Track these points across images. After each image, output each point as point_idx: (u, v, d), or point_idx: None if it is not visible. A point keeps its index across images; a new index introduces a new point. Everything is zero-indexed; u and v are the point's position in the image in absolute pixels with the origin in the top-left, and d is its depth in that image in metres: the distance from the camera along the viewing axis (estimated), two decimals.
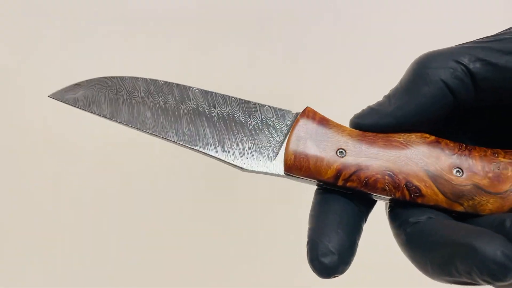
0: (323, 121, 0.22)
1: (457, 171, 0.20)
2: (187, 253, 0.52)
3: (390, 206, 0.21)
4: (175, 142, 0.22)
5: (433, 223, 0.19)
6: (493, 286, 0.19)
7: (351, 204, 0.21)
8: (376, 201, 0.22)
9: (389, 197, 0.21)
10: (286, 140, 0.21)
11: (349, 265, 0.19)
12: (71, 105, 0.25)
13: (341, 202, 0.21)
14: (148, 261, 0.52)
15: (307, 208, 0.22)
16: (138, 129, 0.23)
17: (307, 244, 0.19)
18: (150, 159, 0.54)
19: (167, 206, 0.54)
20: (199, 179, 0.54)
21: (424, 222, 0.19)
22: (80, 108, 0.24)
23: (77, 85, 0.25)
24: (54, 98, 0.25)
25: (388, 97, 0.21)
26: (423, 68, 0.20)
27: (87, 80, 0.25)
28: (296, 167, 0.21)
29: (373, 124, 0.21)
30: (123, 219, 0.53)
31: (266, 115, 0.23)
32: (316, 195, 0.22)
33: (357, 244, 0.20)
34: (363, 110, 0.22)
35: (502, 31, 0.21)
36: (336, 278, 0.19)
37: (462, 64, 0.20)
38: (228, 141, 0.22)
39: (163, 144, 0.24)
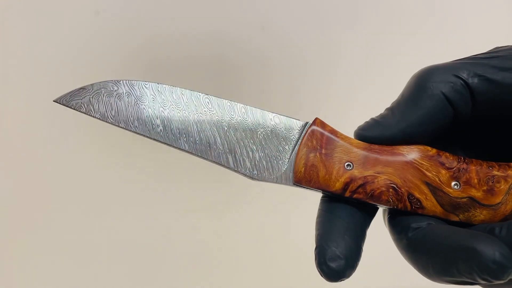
0: (332, 133, 0.22)
1: (455, 184, 0.21)
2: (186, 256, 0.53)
3: (390, 213, 0.23)
4: (186, 151, 0.23)
5: (434, 228, 0.20)
6: (488, 284, 0.20)
7: (357, 211, 0.22)
8: (377, 208, 0.23)
9: (392, 207, 0.22)
10: (296, 150, 0.22)
11: (355, 269, 0.20)
12: (80, 111, 0.24)
13: (347, 209, 0.22)
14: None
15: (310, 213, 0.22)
16: (148, 137, 0.23)
17: (315, 249, 0.20)
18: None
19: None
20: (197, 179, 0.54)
21: (426, 227, 0.21)
22: (87, 114, 0.24)
23: (82, 89, 0.24)
24: (59, 103, 0.24)
25: (391, 110, 0.23)
26: (425, 81, 0.22)
27: (91, 84, 0.24)
28: (306, 179, 0.22)
29: (378, 136, 0.22)
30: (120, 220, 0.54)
31: (275, 124, 0.23)
32: (323, 202, 0.23)
33: (362, 249, 0.21)
34: (367, 122, 0.23)
35: (494, 49, 0.23)
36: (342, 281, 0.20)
37: (462, 78, 0.21)
38: (239, 150, 0.23)
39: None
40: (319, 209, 0.22)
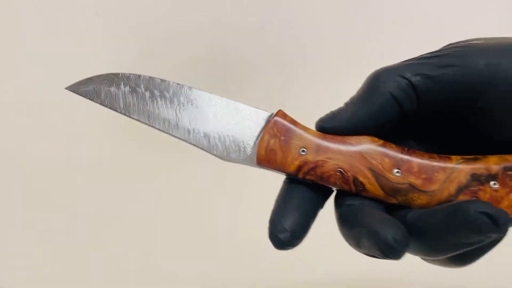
0: (292, 123, 0.26)
1: (396, 172, 0.24)
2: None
3: (337, 194, 0.26)
4: (165, 132, 0.26)
5: (360, 208, 0.24)
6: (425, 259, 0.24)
7: (310, 192, 0.25)
8: (332, 191, 0.26)
9: (339, 189, 0.25)
10: (260, 137, 0.25)
11: (301, 241, 0.24)
12: (85, 97, 0.28)
13: (302, 190, 0.25)
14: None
15: None
16: (136, 119, 0.27)
17: (269, 222, 0.24)
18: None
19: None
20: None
21: (355, 206, 0.24)
22: (90, 99, 0.28)
23: (89, 79, 0.28)
24: (70, 90, 0.29)
25: (346, 104, 0.26)
26: (375, 81, 0.25)
27: (97, 76, 0.28)
28: (266, 161, 0.25)
29: (333, 128, 0.25)
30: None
31: (246, 114, 0.26)
32: (284, 184, 0.26)
33: (310, 226, 0.24)
34: (326, 114, 0.26)
35: (445, 46, 0.25)
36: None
37: (406, 78, 0.24)
38: (213, 135, 0.26)
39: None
40: (280, 189, 0.26)
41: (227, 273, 0.54)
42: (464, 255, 0.23)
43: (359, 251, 0.23)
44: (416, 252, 0.23)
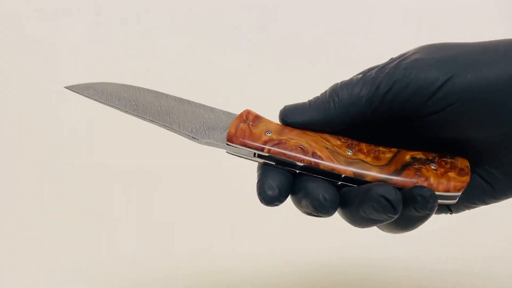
0: (258, 117, 0.30)
1: (349, 151, 0.28)
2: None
3: None
4: (150, 120, 0.30)
5: (306, 178, 0.28)
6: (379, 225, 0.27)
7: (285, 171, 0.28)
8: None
9: (300, 164, 0.28)
10: (231, 123, 0.29)
11: (286, 198, 0.27)
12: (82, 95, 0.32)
13: (277, 169, 0.28)
14: None
15: None
16: (125, 111, 0.31)
17: (257, 183, 0.27)
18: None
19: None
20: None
21: (303, 177, 0.28)
22: (87, 97, 0.32)
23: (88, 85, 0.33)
24: (69, 89, 0.33)
25: (309, 103, 0.29)
26: (333, 95, 0.28)
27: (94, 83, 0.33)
28: (235, 138, 0.28)
29: (294, 123, 0.29)
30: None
31: (219, 114, 0.31)
32: (260, 165, 0.29)
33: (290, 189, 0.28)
34: (291, 106, 0.30)
35: (386, 62, 0.28)
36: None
37: (358, 94, 0.28)
38: (190, 124, 0.30)
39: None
40: (257, 168, 0.29)
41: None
42: (396, 225, 0.27)
43: (301, 211, 0.27)
44: (345, 220, 0.27)
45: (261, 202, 0.27)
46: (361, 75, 0.28)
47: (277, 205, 0.27)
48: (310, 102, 0.29)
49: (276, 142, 0.28)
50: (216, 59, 0.70)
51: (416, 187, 0.25)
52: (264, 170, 0.28)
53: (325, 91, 0.29)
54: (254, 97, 0.65)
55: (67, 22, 0.70)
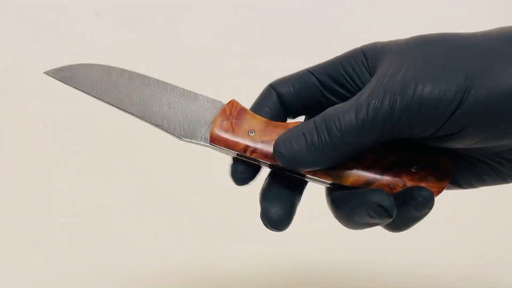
0: (242, 110, 0.29)
1: None
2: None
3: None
4: (132, 114, 0.29)
5: (268, 185, 0.29)
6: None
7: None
8: (306, 182, 0.29)
9: (282, 170, 0.28)
10: (214, 120, 0.28)
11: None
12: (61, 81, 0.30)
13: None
14: None
15: None
16: (106, 101, 0.29)
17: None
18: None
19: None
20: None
21: (267, 183, 0.29)
22: (67, 84, 0.30)
23: (69, 66, 0.31)
24: (48, 75, 0.31)
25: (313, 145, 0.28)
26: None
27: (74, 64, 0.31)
28: (218, 140, 0.28)
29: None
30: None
31: (203, 102, 0.30)
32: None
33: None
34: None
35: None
36: None
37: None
38: (173, 118, 0.29)
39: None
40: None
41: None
42: (391, 226, 0.27)
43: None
44: (339, 222, 0.27)
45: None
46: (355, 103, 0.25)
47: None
48: (313, 143, 0.26)
49: (258, 144, 0.27)
50: (216, 59, 0.70)
51: (416, 188, 0.26)
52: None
53: (322, 120, 0.26)
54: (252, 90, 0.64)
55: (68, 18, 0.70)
